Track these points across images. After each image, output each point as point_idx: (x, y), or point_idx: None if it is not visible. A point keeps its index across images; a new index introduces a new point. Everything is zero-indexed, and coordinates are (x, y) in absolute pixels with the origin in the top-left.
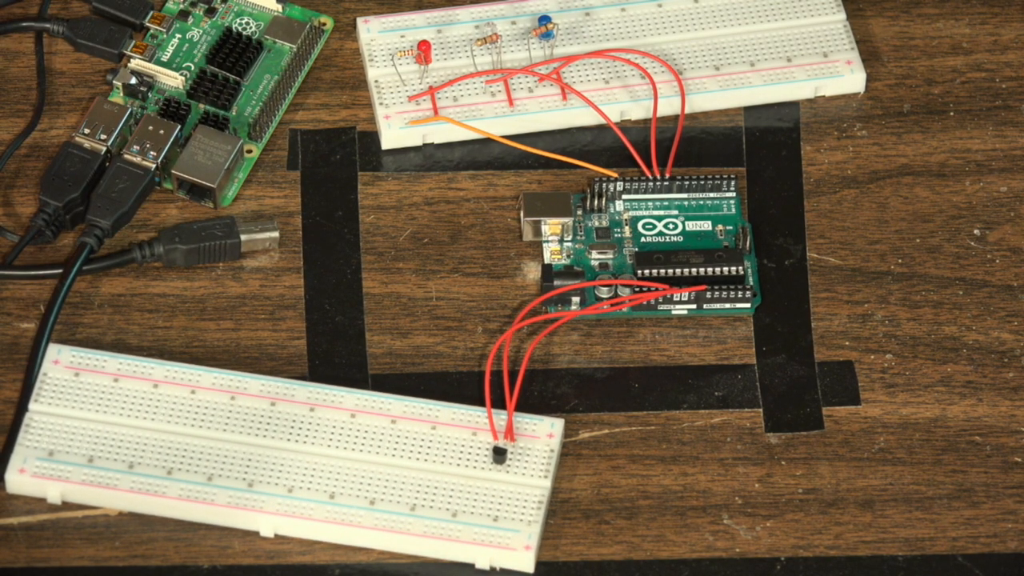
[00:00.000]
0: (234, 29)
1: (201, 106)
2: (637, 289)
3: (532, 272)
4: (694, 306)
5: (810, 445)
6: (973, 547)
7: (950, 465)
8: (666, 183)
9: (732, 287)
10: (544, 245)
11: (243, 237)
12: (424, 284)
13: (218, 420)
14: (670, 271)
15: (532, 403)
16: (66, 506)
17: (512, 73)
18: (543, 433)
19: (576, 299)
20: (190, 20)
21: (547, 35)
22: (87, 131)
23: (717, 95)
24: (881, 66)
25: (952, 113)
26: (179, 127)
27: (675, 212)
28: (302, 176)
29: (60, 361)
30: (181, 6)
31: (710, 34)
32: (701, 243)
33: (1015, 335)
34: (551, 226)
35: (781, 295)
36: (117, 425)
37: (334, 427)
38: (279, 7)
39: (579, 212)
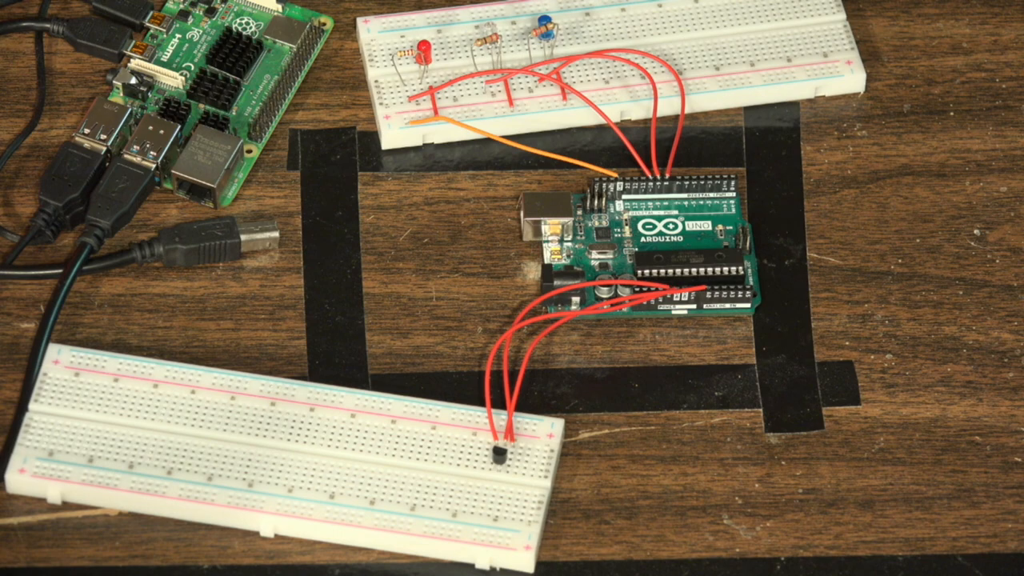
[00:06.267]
0: (234, 29)
1: (201, 106)
2: (637, 289)
3: (532, 272)
4: (694, 306)
5: (810, 445)
6: (973, 547)
7: (950, 465)
8: (666, 183)
9: (732, 287)
10: (544, 245)
11: (243, 237)
12: (424, 284)
13: (218, 420)
14: (670, 271)
15: (532, 403)
16: (66, 506)
17: (512, 73)
18: (543, 433)
19: (576, 299)
20: (190, 20)
21: (547, 35)
22: (87, 131)
23: (717, 95)
24: (881, 66)
25: (952, 113)
26: (179, 127)
27: (675, 212)
28: (302, 176)
29: (60, 361)
30: (181, 6)
31: (710, 34)
32: (701, 243)
33: (1015, 335)
34: (551, 226)
35: (781, 295)
36: (117, 425)
37: (334, 427)
38: (279, 7)
39: (579, 212)
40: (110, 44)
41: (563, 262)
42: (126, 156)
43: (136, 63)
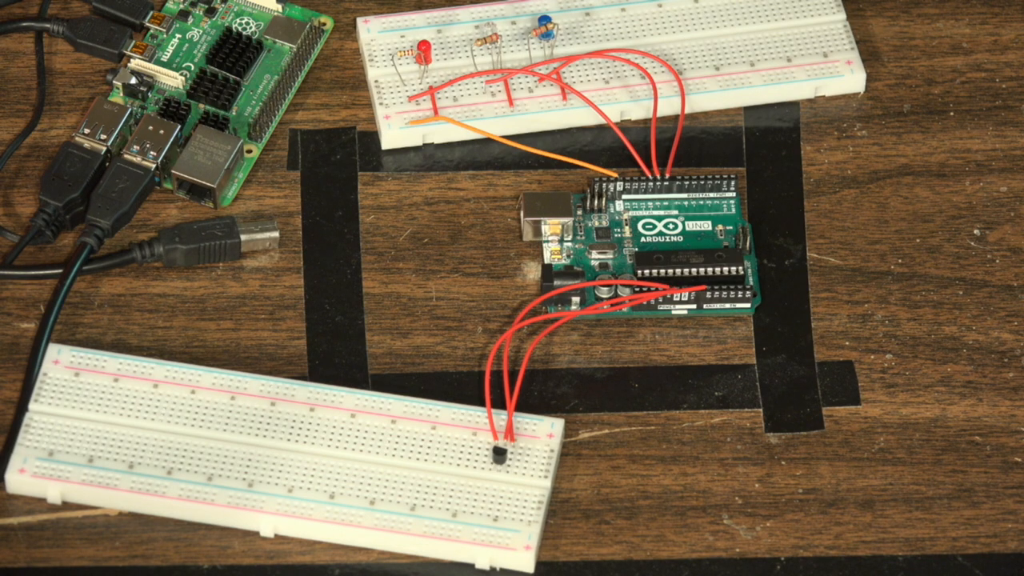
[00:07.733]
0: (234, 29)
1: (201, 106)
2: (637, 289)
3: (532, 272)
4: (694, 306)
5: (810, 445)
6: (973, 547)
7: (950, 465)
8: (666, 183)
9: (732, 287)
10: (544, 245)
11: (243, 237)
12: (424, 284)
13: (218, 420)
14: (670, 271)
15: (532, 403)
16: (66, 506)
17: (512, 73)
18: (543, 433)
19: (576, 299)
20: (190, 20)
21: (547, 35)
22: (87, 131)
23: (717, 95)
24: (881, 66)
25: (952, 113)
26: (179, 127)
27: (675, 212)
28: (302, 176)
29: (60, 361)
30: (181, 6)
31: (710, 34)
32: (701, 243)
33: (1015, 335)
34: (551, 226)
35: (781, 295)
36: (117, 425)
37: (334, 427)
38: (279, 7)
39: (579, 212)
40: (110, 44)
41: (563, 262)
42: (126, 156)
43: (136, 63)
